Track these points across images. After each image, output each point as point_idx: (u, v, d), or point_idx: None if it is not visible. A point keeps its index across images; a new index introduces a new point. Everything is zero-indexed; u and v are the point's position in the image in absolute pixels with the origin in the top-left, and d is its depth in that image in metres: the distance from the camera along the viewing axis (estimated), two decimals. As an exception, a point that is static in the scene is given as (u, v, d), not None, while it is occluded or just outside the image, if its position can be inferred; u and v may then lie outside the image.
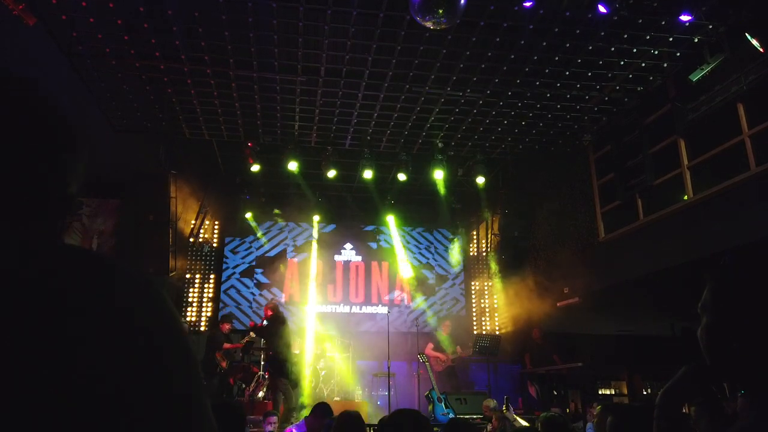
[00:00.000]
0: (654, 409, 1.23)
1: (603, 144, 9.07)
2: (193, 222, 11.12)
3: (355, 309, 11.93)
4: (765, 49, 6.02)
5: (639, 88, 8.00)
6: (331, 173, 9.74)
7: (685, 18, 6.24)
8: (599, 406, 7.24)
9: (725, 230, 6.59)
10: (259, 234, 11.93)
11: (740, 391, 1.02)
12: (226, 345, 9.13)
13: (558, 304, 9.65)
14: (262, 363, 8.63)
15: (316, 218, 11.73)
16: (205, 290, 11.49)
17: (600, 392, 13.17)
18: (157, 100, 8.24)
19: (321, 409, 4.99)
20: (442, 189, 10.61)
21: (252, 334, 9.18)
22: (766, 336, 0.95)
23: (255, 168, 9.37)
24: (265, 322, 8.25)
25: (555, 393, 9.74)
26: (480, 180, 10.14)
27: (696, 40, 6.90)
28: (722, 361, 1.02)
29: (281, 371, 7.88)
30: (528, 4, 6.05)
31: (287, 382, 7.86)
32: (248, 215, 11.25)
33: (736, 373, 1.00)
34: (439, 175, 9.80)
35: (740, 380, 1.00)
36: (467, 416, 8.49)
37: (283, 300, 11.73)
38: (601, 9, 6.10)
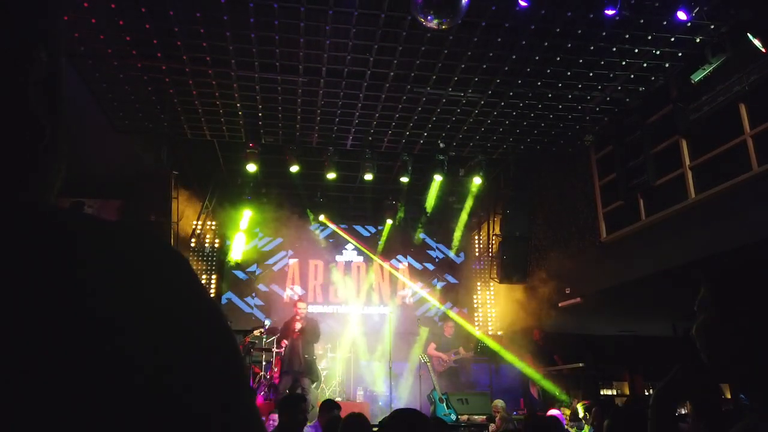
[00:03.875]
0: (650, 406, 1.23)
1: (605, 144, 9.07)
2: (194, 222, 11.14)
3: (356, 309, 11.93)
4: (767, 49, 6.01)
5: (641, 89, 7.99)
6: (332, 174, 9.75)
7: (682, 16, 6.23)
8: (581, 403, 7.27)
9: (727, 230, 6.58)
10: (260, 234, 11.93)
11: (739, 392, 1.02)
12: None
13: (560, 305, 9.65)
14: (279, 358, 8.57)
15: (321, 218, 11.73)
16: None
17: (602, 393, 13.15)
18: (159, 100, 8.26)
19: (327, 405, 5.47)
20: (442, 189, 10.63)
21: (257, 332, 9.26)
22: (766, 335, 0.95)
23: (252, 168, 9.38)
24: (302, 322, 8.31)
25: (557, 393, 9.73)
26: (479, 180, 10.17)
27: (698, 40, 6.89)
28: (720, 359, 1.02)
29: (311, 371, 8.20)
30: (524, 4, 6.04)
31: (309, 381, 8.12)
32: (249, 214, 11.25)
33: (733, 371, 1.00)
34: (439, 175, 9.82)
35: (737, 379, 1.01)
36: (469, 416, 8.49)
37: (284, 300, 11.75)
38: (609, 12, 6.09)
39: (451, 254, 12.64)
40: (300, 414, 4.23)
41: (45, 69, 0.50)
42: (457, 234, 12.34)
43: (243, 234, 11.25)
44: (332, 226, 12.18)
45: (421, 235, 12.47)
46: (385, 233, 12.14)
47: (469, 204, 11.45)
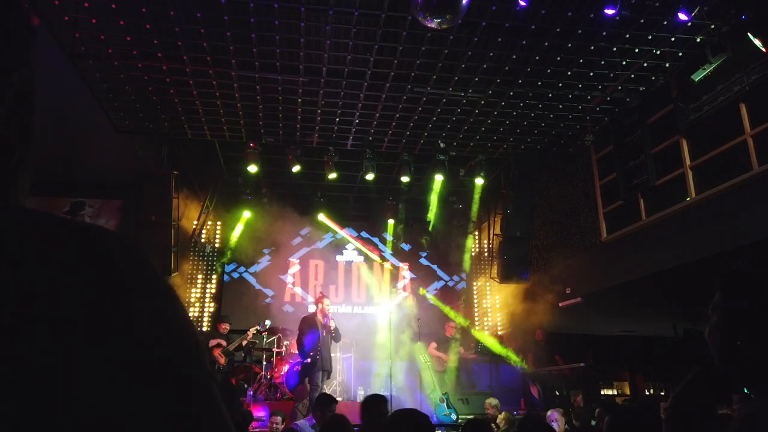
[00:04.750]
0: (666, 410, 1.24)
1: (605, 144, 9.07)
2: (195, 222, 11.14)
3: (357, 309, 11.93)
4: (767, 49, 6.01)
5: (641, 88, 7.99)
6: (333, 174, 9.75)
7: (683, 17, 6.23)
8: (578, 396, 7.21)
9: (727, 230, 6.58)
10: (260, 234, 11.92)
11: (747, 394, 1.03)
12: (212, 342, 8.96)
13: (560, 305, 9.65)
14: (303, 361, 8.41)
15: (319, 218, 11.73)
16: (207, 290, 11.51)
17: (602, 393, 13.15)
18: (160, 100, 8.26)
19: (324, 399, 5.39)
20: (443, 189, 10.64)
21: (254, 330, 9.22)
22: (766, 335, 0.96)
23: (253, 169, 9.39)
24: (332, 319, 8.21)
25: (557, 393, 9.74)
26: (481, 180, 10.16)
27: (698, 40, 6.89)
28: (728, 359, 1.03)
29: (332, 368, 8.25)
30: (523, 4, 6.04)
31: (327, 377, 8.19)
32: (249, 214, 11.26)
33: (740, 371, 1.02)
34: (440, 175, 9.82)
35: (744, 378, 1.02)
36: (469, 417, 8.48)
37: (285, 300, 11.75)
38: (609, 12, 6.09)
39: (452, 254, 12.60)
40: (383, 416, 4.14)
41: (17, 92, 0.53)
42: (466, 260, 12.29)
43: (242, 234, 11.26)
44: (332, 225, 12.18)
45: (420, 238, 12.47)
46: (390, 234, 12.15)
47: (474, 209, 11.46)
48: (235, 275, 11.75)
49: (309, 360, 7.81)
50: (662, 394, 13.05)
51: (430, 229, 11.58)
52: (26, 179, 0.54)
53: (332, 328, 8.07)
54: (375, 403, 4.27)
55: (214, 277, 11.59)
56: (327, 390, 9.64)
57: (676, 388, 1.28)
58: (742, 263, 1.06)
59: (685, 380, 1.25)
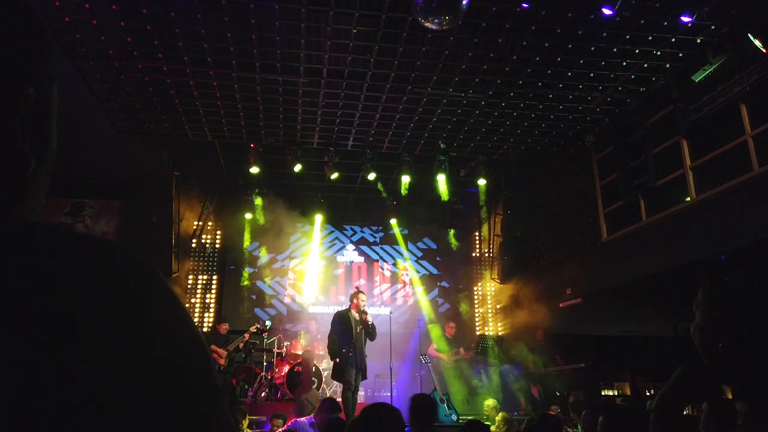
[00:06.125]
0: (649, 412, 1.23)
1: (605, 145, 9.07)
2: (195, 223, 11.15)
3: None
4: (767, 50, 6.01)
5: (641, 89, 7.99)
6: (334, 175, 9.76)
7: (685, 19, 6.24)
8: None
9: (728, 231, 6.58)
10: (260, 234, 11.93)
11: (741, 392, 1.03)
12: (212, 347, 8.89)
13: (561, 305, 9.65)
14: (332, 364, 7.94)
15: (319, 218, 11.73)
16: (207, 291, 11.51)
17: (603, 393, 13.15)
18: (160, 101, 8.27)
19: (329, 404, 5.33)
20: (444, 190, 10.64)
21: (254, 329, 9.18)
22: (748, 336, 0.96)
23: (254, 170, 9.39)
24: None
25: (558, 394, 9.73)
26: (482, 181, 10.16)
27: (698, 41, 6.89)
28: (712, 359, 1.03)
29: (362, 364, 7.70)
30: (525, 5, 6.05)
31: (362, 378, 7.75)
32: (248, 215, 11.26)
33: (723, 371, 1.02)
34: (441, 176, 9.81)
35: (728, 379, 1.02)
36: (469, 417, 8.48)
37: (286, 301, 11.75)
38: (606, 12, 6.10)
39: (453, 251, 12.60)
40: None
41: (32, 104, 0.52)
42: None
43: (242, 234, 11.27)
44: (332, 227, 12.18)
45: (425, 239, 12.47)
46: (398, 234, 12.14)
47: (469, 205, 11.44)
48: (236, 276, 11.75)
49: (339, 359, 7.41)
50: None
51: (447, 232, 11.57)
52: (41, 191, 0.54)
53: (369, 324, 7.68)
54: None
55: (214, 277, 11.59)
56: (328, 391, 9.66)
57: (664, 384, 1.28)
58: (725, 261, 1.07)
59: (671, 379, 1.24)
